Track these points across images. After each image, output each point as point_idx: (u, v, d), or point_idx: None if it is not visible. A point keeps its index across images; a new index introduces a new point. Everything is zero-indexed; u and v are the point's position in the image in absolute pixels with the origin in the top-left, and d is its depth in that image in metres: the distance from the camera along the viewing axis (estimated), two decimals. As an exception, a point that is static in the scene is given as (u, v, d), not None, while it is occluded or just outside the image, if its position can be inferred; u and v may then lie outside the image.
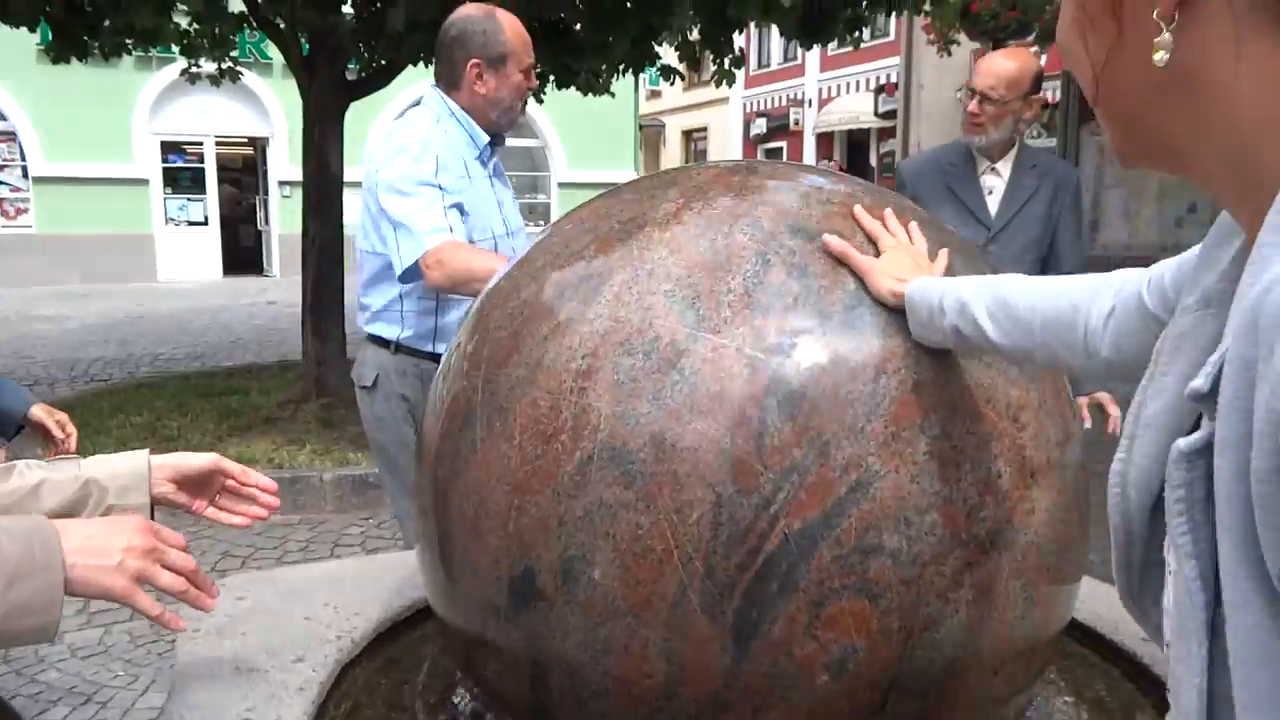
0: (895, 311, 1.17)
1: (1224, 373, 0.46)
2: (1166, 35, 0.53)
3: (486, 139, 2.57)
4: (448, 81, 2.56)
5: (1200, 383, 0.48)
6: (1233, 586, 0.47)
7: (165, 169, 17.47)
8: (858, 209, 1.30)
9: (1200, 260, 0.67)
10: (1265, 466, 0.43)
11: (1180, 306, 0.65)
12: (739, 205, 1.32)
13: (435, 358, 2.55)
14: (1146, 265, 0.96)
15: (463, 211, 2.45)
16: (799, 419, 1.11)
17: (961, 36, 12.42)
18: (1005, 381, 1.22)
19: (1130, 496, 0.66)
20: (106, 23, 6.39)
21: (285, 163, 17.46)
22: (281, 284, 16.20)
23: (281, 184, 17.73)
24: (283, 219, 17.45)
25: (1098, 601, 1.78)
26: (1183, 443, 0.50)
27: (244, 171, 19.47)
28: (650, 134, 32.12)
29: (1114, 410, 2.71)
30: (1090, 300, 0.96)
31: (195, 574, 1.20)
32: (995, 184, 2.93)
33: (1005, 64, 2.82)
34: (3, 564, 1.00)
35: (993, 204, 2.90)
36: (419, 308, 2.55)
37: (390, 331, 2.59)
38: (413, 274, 2.37)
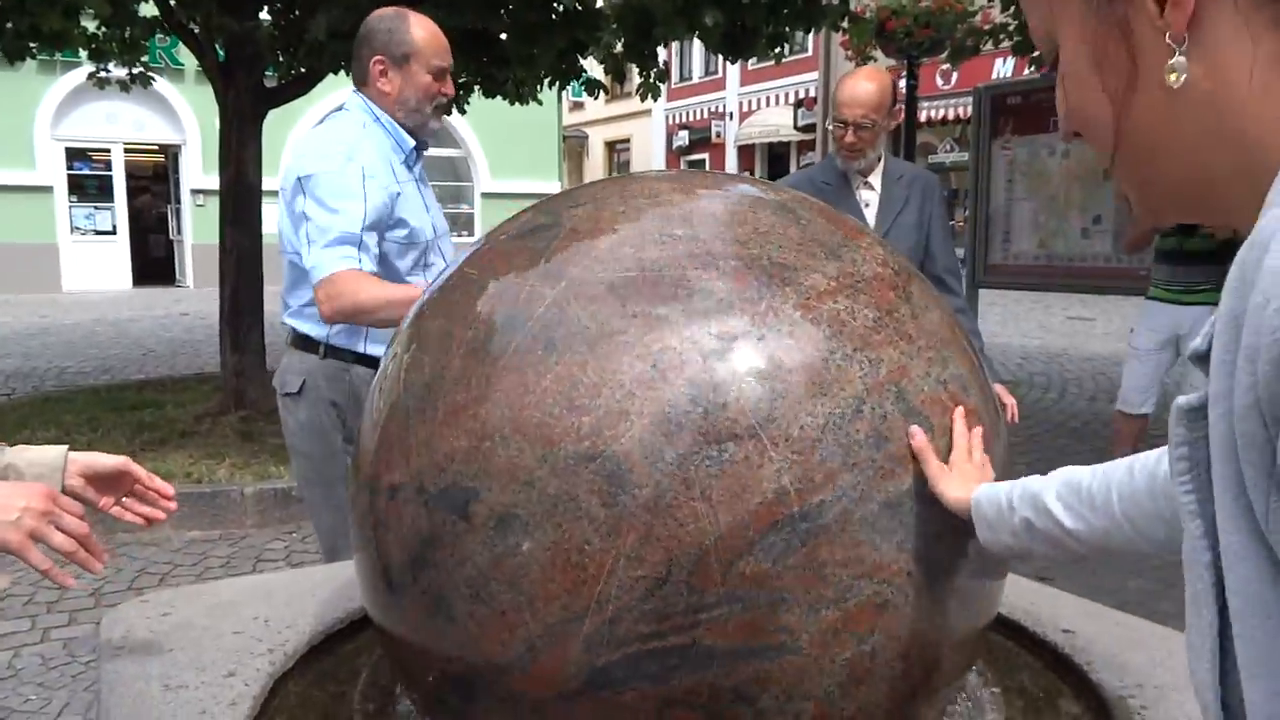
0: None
1: (1215, 329, 0.47)
2: (1180, 57, 0.53)
3: (413, 143, 2.56)
4: (357, 78, 2.55)
5: (1199, 343, 0.49)
6: (1229, 537, 0.48)
7: (70, 176, 16.84)
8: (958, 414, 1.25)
9: None
10: (1245, 403, 0.44)
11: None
12: (679, 209, 1.35)
13: (365, 359, 2.52)
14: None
15: (391, 219, 2.43)
16: (739, 425, 1.13)
17: (878, 53, 12.75)
18: (945, 389, 1.26)
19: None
20: (9, 25, 6.15)
21: (198, 171, 16.99)
22: (195, 295, 15.74)
23: (195, 192, 17.25)
24: (197, 228, 16.98)
25: (1020, 596, 1.85)
26: (1181, 400, 0.51)
27: (155, 180, 18.87)
28: (573, 145, 32.15)
29: (1009, 400, 2.82)
30: (1159, 463, 0.93)
31: (87, 539, 1.32)
32: (870, 198, 3.07)
33: (868, 88, 2.94)
34: None
35: (870, 217, 3.04)
36: None
37: (317, 331, 2.52)
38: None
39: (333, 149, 2.40)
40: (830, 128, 3.07)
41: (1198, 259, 4.45)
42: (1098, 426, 6.42)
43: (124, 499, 1.57)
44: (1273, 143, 0.52)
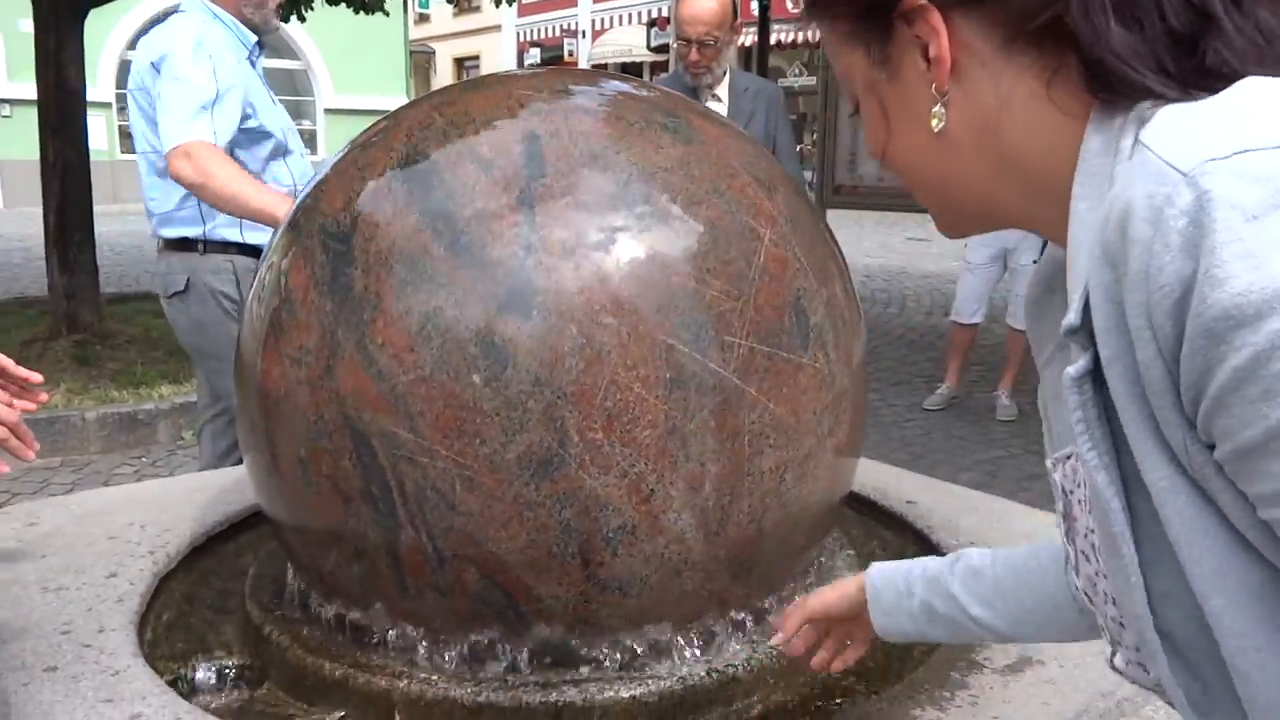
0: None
1: (1090, 303, 0.53)
2: (940, 107, 0.63)
3: (254, 39, 2.57)
4: None
5: (1072, 318, 0.55)
6: (1155, 476, 0.52)
7: None
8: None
9: (1034, 338, 0.73)
10: (1148, 355, 0.50)
11: (1040, 365, 0.71)
12: (550, 106, 1.38)
13: (247, 249, 2.52)
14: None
15: (243, 108, 2.44)
16: (622, 312, 1.20)
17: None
18: (808, 286, 1.36)
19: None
20: None
21: (3, 78, 15.50)
22: (7, 216, 14.49)
23: (0, 102, 15.75)
24: (5, 143, 15.54)
25: (872, 475, 2.03)
26: (1071, 370, 0.55)
27: (-49, 87, 17.09)
28: (420, 60, 30.87)
29: None
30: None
31: (17, 427, 1.29)
32: (718, 109, 3.13)
33: (709, 6, 2.99)
34: None
35: None
36: None
37: (193, 230, 2.52)
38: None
39: (181, 38, 2.39)
40: (675, 45, 3.12)
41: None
42: (934, 338, 6.86)
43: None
44: (1036, 161, 0.61)
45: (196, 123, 2.30)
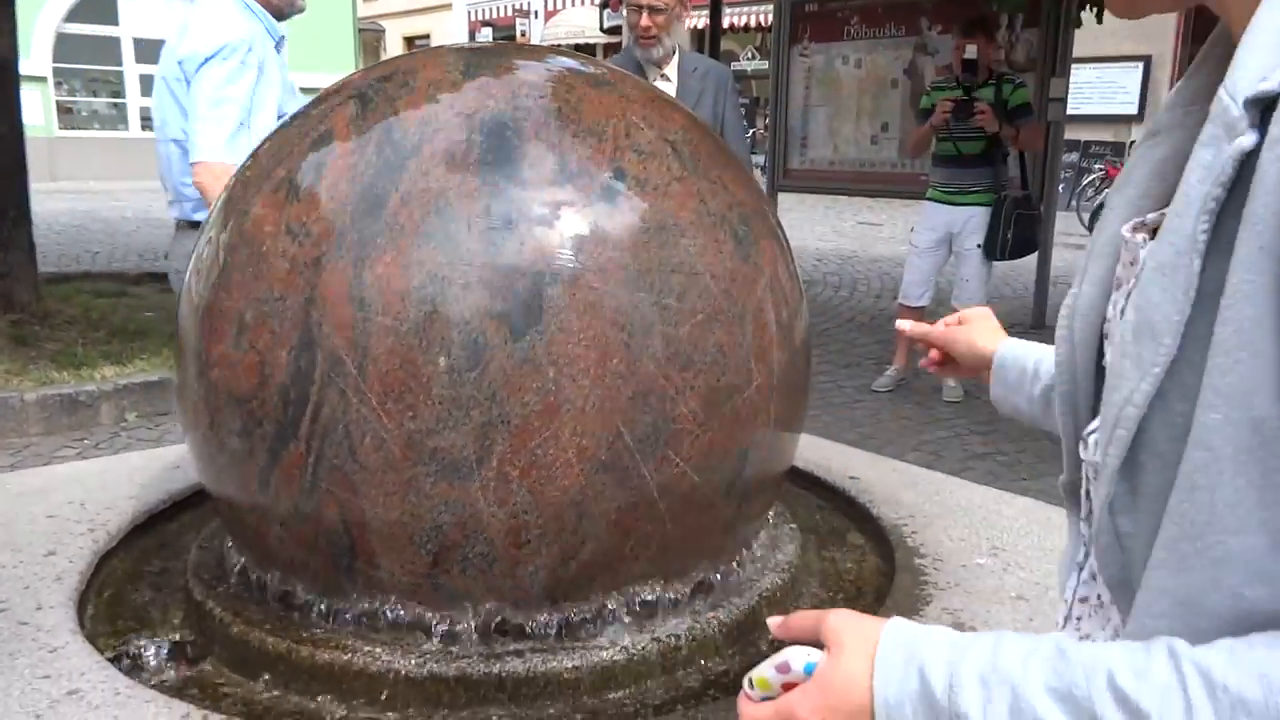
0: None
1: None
2: None
3: (281, 32, 2.60)
4: None
5: (1272, 85, 0.50)
6: (1243, 277, 0.49)
7: None
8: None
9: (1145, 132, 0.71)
10: None
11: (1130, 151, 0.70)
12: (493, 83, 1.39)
13: None
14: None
15: (280, 111, 2.54)
16: (571, 282, 1.21)
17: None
18: (758, 266, 1.38)
19: (1075, 327, 0.70)
20: None
21: (-68, 50, 14.96)
22: (-62, 192, 14.01)
23: (-71, 75, 15.20)
24: (-66, 117, 15.00)
25: (816, 452, 2.07)
26: (1243, 141, 0.51)
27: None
28: (369, 39, 30.37)
29: None
30: None
31: None
32: (667, 89, 3.12)
33: None
34: None
35: None
36: None
37: None
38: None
39: (225, 37, 2.41)
40: (624, 13, 3.10)
41: (970, 163, 4.85)
42: (883, 321, 6.95)
43: None
44: None
45: (235, 144, 2.36)
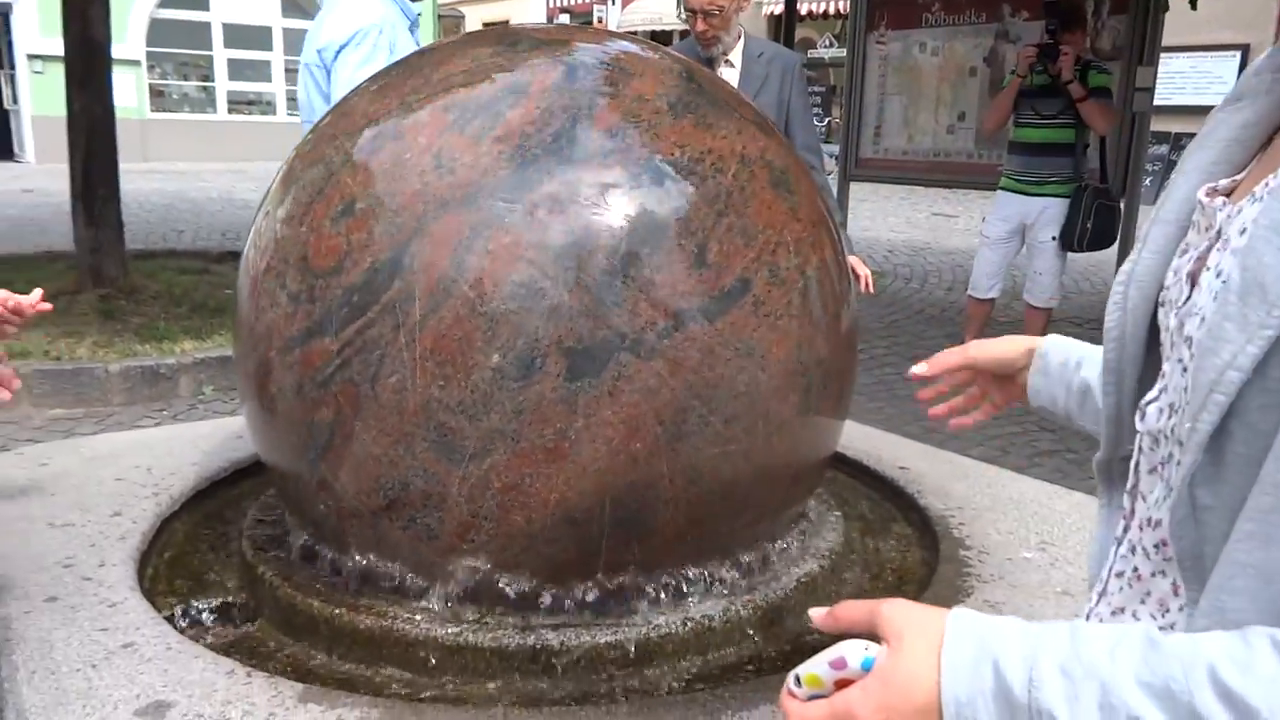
0: None
1: None
2: None
3: (417, 12, 2.70)
4: None
5: None
6: None
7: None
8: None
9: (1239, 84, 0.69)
10: None
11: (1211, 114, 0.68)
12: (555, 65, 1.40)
13: None
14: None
15: None
16: (619, 266, 1.22)
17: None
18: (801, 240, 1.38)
19: (1131, 295, 0.69)
20: None
21: (35, 33, 15.61)
22: (39, 171, 14.64)
23: (32, 58, 15.86)
24: (37, 99, 15.67)
25: (865, 440, 2.05)
26: None
27: (-15, 43, 17.22)
28: (449, 25, 30.77)
29: (863, 271, 2.89)
30: None
31: None
32: (730, 75, 3.10)
33: None
34: None
35: None
36: None
37: None
38: None
39: (357, 19, 2.52)
40: (683, 19, 3.09)
41: (1049, 151, 4.72)
42: (953, 314, 6.81)
43: None
44: None
45: None
